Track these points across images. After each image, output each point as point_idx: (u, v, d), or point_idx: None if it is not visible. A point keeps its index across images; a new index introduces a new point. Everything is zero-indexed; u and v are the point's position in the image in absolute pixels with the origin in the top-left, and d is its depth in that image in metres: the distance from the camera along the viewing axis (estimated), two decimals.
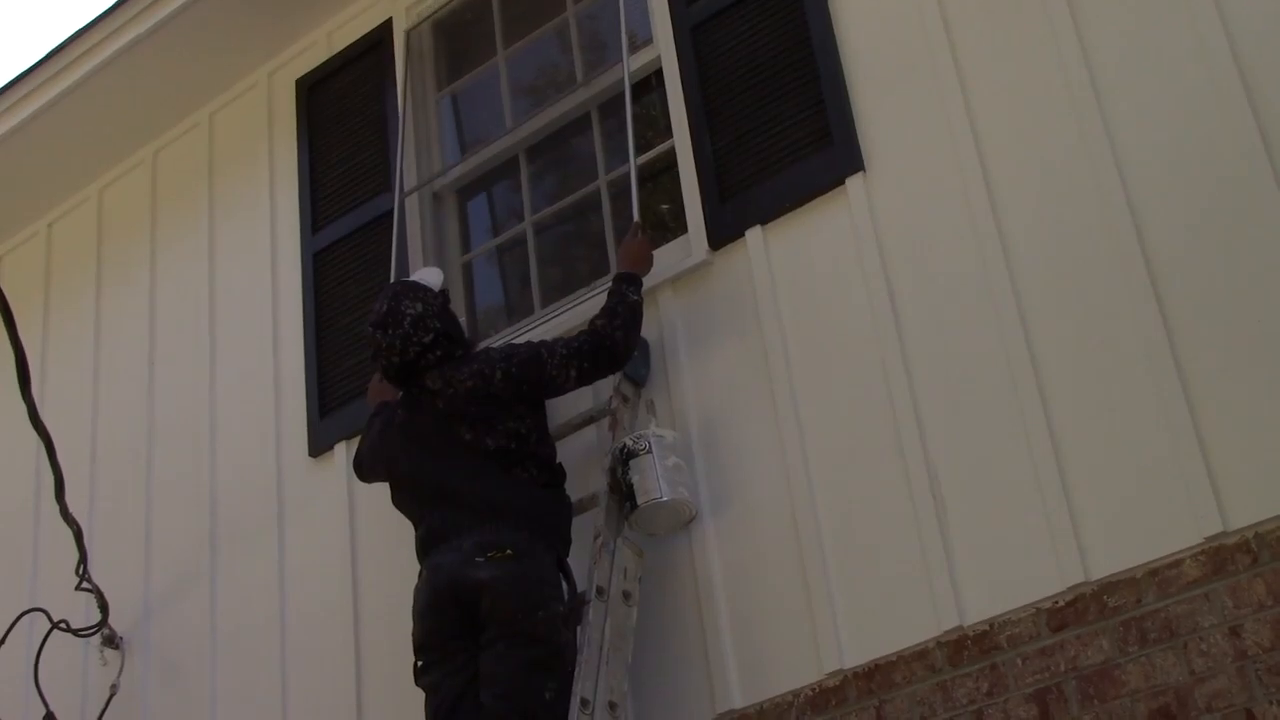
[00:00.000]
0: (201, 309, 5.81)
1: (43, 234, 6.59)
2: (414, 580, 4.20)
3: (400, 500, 4.38)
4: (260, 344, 5.56)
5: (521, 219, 5.29)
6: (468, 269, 5.40)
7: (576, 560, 4.17)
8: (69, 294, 6.36)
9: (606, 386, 4.49)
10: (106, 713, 5.29)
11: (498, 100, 5.49)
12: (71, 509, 5.39)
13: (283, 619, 5.07)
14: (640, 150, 4.77)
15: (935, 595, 3.85)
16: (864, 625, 3.94)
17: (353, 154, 5.62)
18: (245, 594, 5.21)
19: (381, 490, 4.52)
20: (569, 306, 4.85)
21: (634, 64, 4.91)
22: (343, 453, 5.10)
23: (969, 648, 3.78)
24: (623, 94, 4.84)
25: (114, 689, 5.33)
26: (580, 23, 5.40)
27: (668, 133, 4.87)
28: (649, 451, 4.19)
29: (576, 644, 4.00)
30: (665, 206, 4.92)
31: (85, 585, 5.39)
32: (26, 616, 5.48)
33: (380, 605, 4.79)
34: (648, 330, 4.44)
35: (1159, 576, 3.58)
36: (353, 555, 4.98)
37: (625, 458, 4.21)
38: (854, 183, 4.35)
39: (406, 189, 5.36)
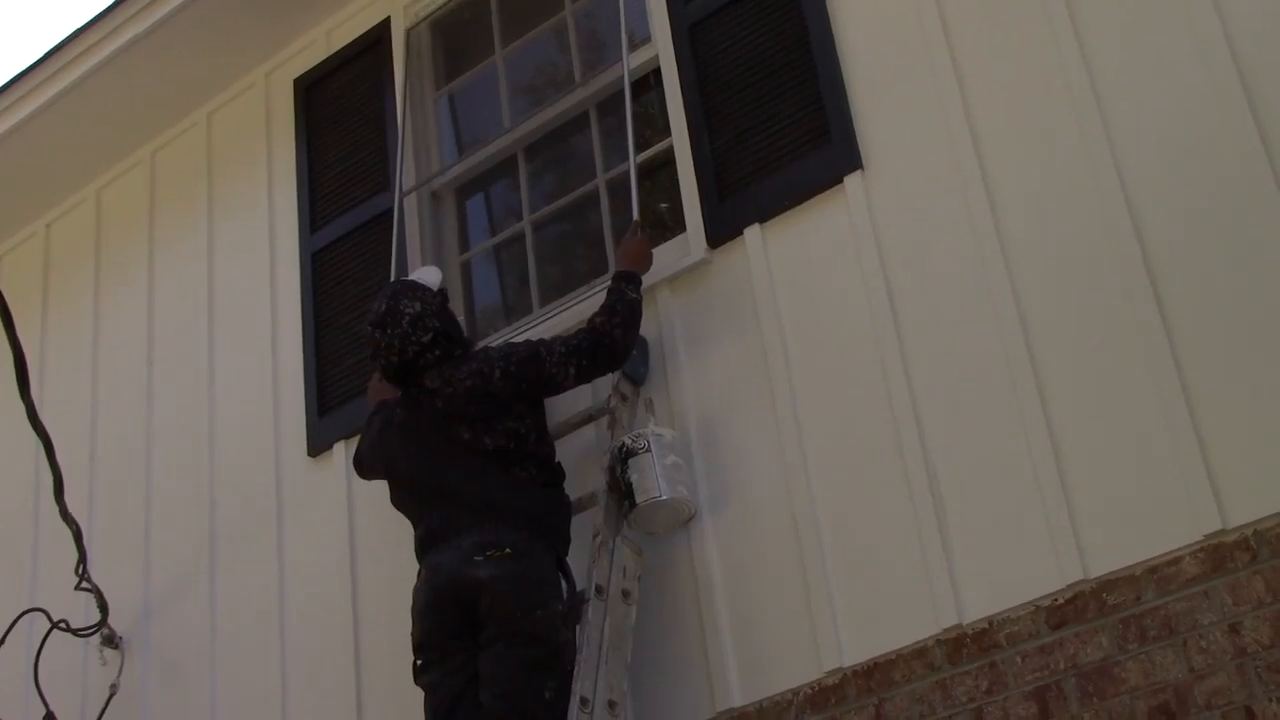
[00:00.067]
0: (200, 308, 5.81)
1: (41, 234, 6.59)
2: (413, 579, 4.20)
3: (399, 500, 4.38)
4: (259, 343, 5.56)
5: (520, 218, 5.29)
6: (466, 268, 5.40)
7: (576, 559, 4.17)
8: (67, 294, 6.36)
9: (605, 385, 4.49)
10: (106, 712, 5.29)
11: (496, 99, 5.49)
12: (71, 509, 5.39)
13: (282, 618, 5.07)
14: (638, 149, 4.76)
15: (934, 593, 3.85)
16: (863, 623, 3.94)
17: (351, 153, 5.62)
18: (244, 593, 5.21)
19: (380, 490, 4.52)
20: (568, 305, 4.85)
21: (632, 62, 4.90)
22: (342, 452, 5.10)
23: (968, 646, 3.79)
24: (620, 93, 4.84)
25: (114, 689, 5.33)
26: (578, 21, 5.40)
27: (666, 131, 4.87)
28: (648, 450, 4.19)
29: (576, 643, 4.00)
30: (664, 205, 4.92)
31: (85, 585, 5.39)
32: (26, 616, 5.48)
33: (379, 604, 4.79)
34: (646, 329, 4.44)
35: (1158, 574, 3.59)
36: (352, 554, 4.98)
37: (624, 456, 4.22)
38: (852, 181, 4.35)
39: (405, 188, 5.36)
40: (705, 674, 4.13)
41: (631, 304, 4.30)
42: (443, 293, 4.45)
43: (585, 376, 4.29)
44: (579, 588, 4.12)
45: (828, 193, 4.39)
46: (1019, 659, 3.71)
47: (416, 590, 4.16)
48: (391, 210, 5.31)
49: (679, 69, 4.83)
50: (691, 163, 4.69)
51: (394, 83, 5.56)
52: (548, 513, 4.18)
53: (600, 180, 5.08)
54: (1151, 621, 3.56)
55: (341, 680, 4.82)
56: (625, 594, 4.12)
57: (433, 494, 4.21)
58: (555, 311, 4.87)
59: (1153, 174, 3.87)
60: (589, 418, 4.51)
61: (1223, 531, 3.53)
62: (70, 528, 5.38)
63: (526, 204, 5.29)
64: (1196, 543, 3.56)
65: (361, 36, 5.76)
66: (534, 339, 4.38)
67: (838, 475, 4.12)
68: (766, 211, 4.48)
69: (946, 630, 3.82)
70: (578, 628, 4.03)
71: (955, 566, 3.84)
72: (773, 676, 4.04)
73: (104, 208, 6.41)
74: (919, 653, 3.85)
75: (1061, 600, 3.69)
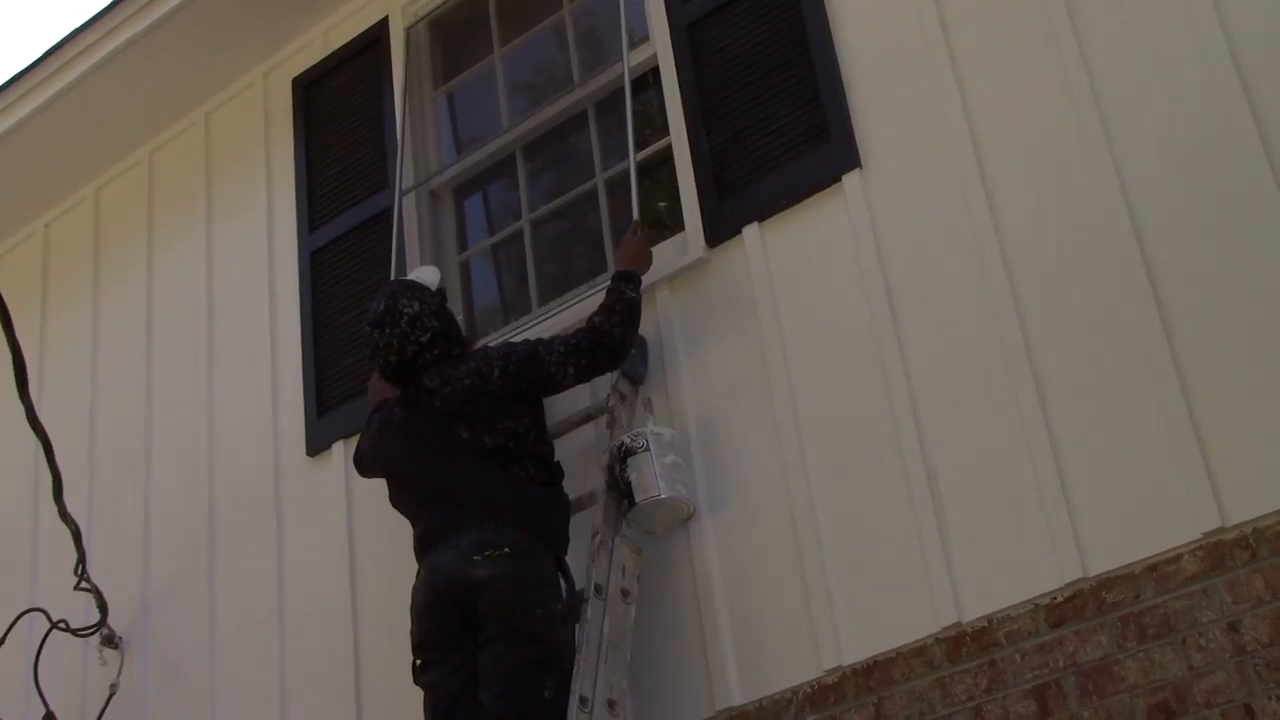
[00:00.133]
0: (199, 308, 5.81)
1: (40, 234, 6.59)
2: (412, 579, 4.20)
3: (398, 499, 4.38)
4: (258, 343, 5.56)
5: (519, 217, 5.29)
6: (465, 267, 5.40)
7: (575, 558, 4.17)
8: (66, 294, 6.36)
9: (604, 384, 4.49)
10: (106, 712, 5.29)
11: (494, 98, 5.49)
12: (70, 509, 5.38)
13: (281, 618, 5.07)
14: (637, 148, 4.76)
15: (934, 592, 3.85)
16: (863, 622, 3.94)
17: (349, 153, 5.62)
18: (244, 593, 5.21)
19: (380, 489, 4.52)
20: (566, 305, 4.84)
21: (631, 61, 4.90)
22: (341, 451, 5.10)
23: (968, 644, 3.78)
24: (619, 92, 4.84)
25: (113, 688, 5.33)
26: (577, 20, 5.40)
27: (664, 130, 4.86)
28: (647, 449, 4.19)
29: (575, 642, 4.00)
30: (662, 204, 4.92)
31: (84, 585, 5.39)
32: (26, 616, 5.48)
33: (379, 604, 4.79)
34: (645, 327, 4.44)
35: (1157, 572, 3.58)
36: (351, 554, 4.98)
37: (623, 455, 4.22)
38: (851, 179, 4.35)
39: (404, 187, 5.35)
40: (705, 673, 4.13)
41: (631, 304, 4.30)
42: (441, 292, 4.45)
43: (584, 376, 4.29)
44: (578, 587, 4.12)
45: (826, 191, 4.39)
46: (1018, 657, 3.71)
47: (416, 590, 4.16)
48: (390, 209, 5.31)
49: (677, 68, 4.82)
50: (690, 162, 4.68)
51: (392, 82, 5.56)
52: (547, 512, 4.18)
53: (599, 179, 5.08)
54: (1151, 620, 3.56)
55: (341, 679, 4.82)
56: (624, 593, 4.12)
57: (432, 493, 4.21)
58: (554, 311, 4.87)
59: (1152, 173, 3.87)
60: (588, 417, 4.51)
61: (1222, 530, 3.53)
62: (69, 528, 5.38)
63: (525, 203, 5.29)
64: (1195, 541, 3.55)
65: (360, 36, 5.76)
66: (533, 339, 4.38)
67: (837, 473, 4.12)
68: (765, 210, 4.48)
69: (946, 629, 3.82)
70: (577, 627, 4.03)
71: (954, 565, 3.84)
72: (772, 675, 4.04)
73: (103, 208, 6.41)
74: (918, 651, 3.85)
75: (1061, 599, 3.69)
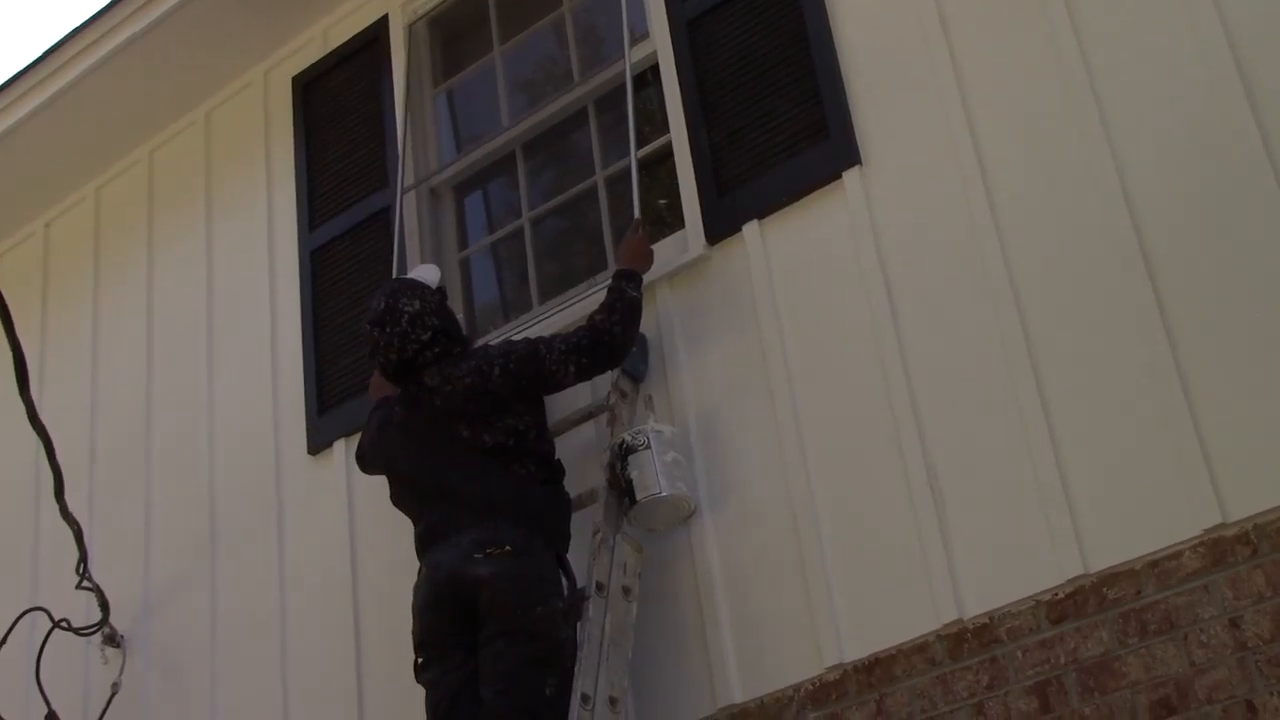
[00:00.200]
0: (199, 307, 5.81)
1: (40, 233, 6.59)
2: (413, 577, 4.20)
3: (399, 497, 4.38)
4: (258, 342, 5.56)
5: (519, 215, 5.29)
6: (465, 265, 5.40)
7: (576, 556, 4.17)
8: (66, 293, 6.36)
9: (605, 382, 4.49)
10: (108, 711, 5.29)
11: (494, 96, 5.49)
12: (71, 508, 5.39)
13: (283, 616, 5.08)
14: (637, 145, 4.76)
15: (934, 588, 3.85)
16: (864, 619, 3.94)
17: (349, 151, 5.62)
18: (245, 591, 5.21)
19: (380, 487, 4.52)
20: (567, 303, 4.84)
21: (631, 58, 4.90)
22: (341, 450, 5.10)
23: (969, 640, 3.79)
24: (619, 89, 4.84)
25: (115, 687, 5.34)
26: (576, 18, 5.40)
27: (664, 127, 4.86)
28: (648, 447, 4.19)
29: (576, 640, 4.00)
30: (662, 201, 4.92)
31: (85, 584, 5.39)
32: (27, 616, 5.48)
33: (380, 602, 4.79)
34: (645, 325, 4.44)
35: (1158, 568, 3.58)
36: (352, 552, 4.98)
37: (624, 453, 4.22)
38: (851, 176, 4.35)
39: (404, 186, 5.35)
40: (706, 670, 4.13)
41: (631, 302, 4.30)
42: (442, 290, 4.45)
43: (585, 374, 4.29)
44: (579, 585, 4.12)
45: (826, 188, 4.38)
46: (1019, 654, 3.71)
47: (417, 588, 4.16)
48: (390, 208, 5.31)
49: (677, 65, 4.82)
50: (690, 159, 4.68)
51: (392, 80, 5.56)
52: (548, 510, 4.18)
53: (599, 177, 5.08)
54: (1152, 616, 3.56)
55: (342, 677, 4.83)
56: (626, 591, 4.12)
57: (432, 492, 4.21)
58: (555, 309, 4.87)
59: (1152, 172, 3.87)
60: (589, 415, 4.51)
61: (1223, 525, 3.53)
62: (70, 527, 5.38)
63: (525, 201, 5.29)
64: (1196, 537, 3.55)
65: (359, 34, 5.76)
66: (534, 337, 4.38)
67: (837, 470, 4.12)
68: (765, 207, 4.48)
69: (947, 625, 3.82)
70: (578, 625, 4.03)
71: (955, 561, 3.84)
72: (774, 672, 4.04)
73: (103, 206, 6.41)
74: (920, 648, 3.85)
75: (1062, 595, 3.69)
